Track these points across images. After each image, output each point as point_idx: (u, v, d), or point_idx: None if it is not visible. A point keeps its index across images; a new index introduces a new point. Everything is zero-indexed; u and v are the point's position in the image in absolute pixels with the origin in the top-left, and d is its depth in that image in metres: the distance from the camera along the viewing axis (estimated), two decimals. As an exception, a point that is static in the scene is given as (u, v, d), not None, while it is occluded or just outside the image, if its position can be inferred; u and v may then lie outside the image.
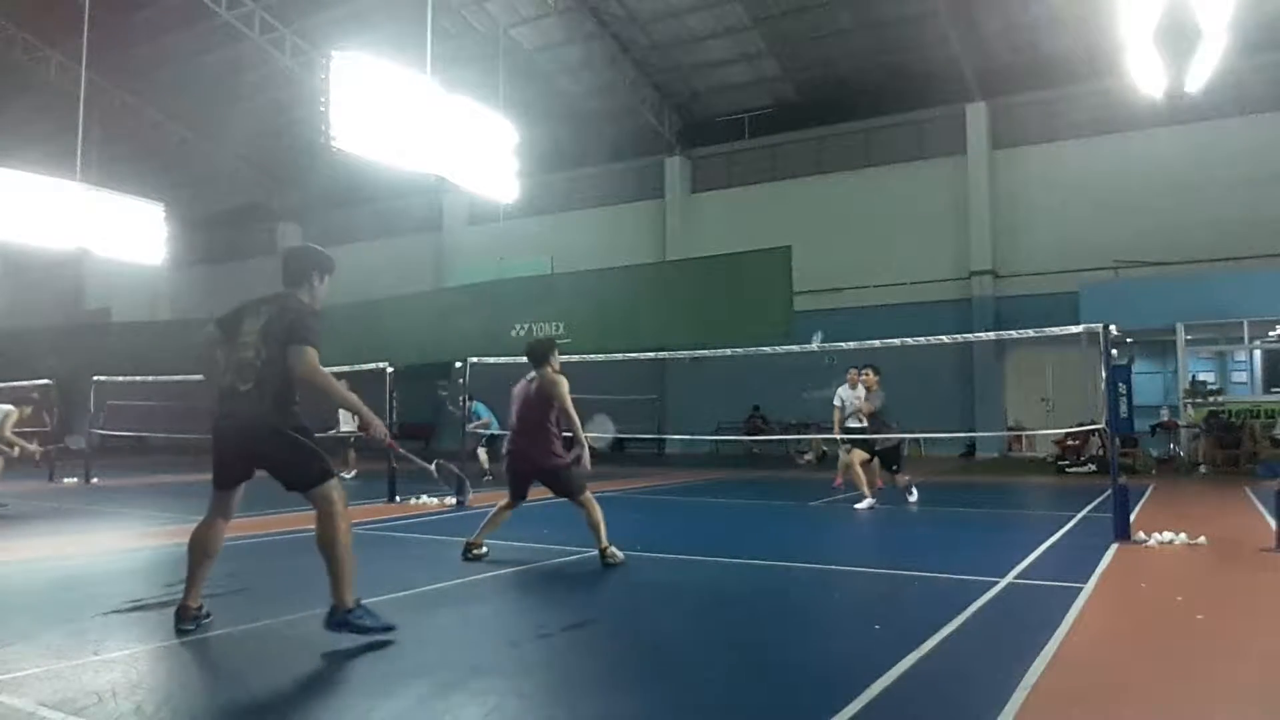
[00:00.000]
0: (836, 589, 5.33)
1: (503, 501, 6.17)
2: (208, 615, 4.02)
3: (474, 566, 5.80)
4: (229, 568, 5.74)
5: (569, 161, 24.69)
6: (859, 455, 9.50)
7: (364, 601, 3.85)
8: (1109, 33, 13.66)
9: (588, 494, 5.98)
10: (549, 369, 6.03)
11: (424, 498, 9.97)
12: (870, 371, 9.62)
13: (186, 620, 3.92)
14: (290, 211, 29.91)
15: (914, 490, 9.73)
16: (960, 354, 18.99)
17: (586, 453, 5.98)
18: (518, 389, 6.18)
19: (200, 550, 3.97)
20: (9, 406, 9.97)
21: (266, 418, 3.78)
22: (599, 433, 6.72)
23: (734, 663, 3.63)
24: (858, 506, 9.23)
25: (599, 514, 5.91)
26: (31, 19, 21.69)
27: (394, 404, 10.61)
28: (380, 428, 4.17)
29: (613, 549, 5.81)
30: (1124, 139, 19.14)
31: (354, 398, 4.08)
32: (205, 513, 4.04)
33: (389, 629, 3.82)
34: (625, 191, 25.26)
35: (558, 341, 6.41)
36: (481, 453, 13.83)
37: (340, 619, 3.74)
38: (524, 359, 6.20)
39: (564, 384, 5.94)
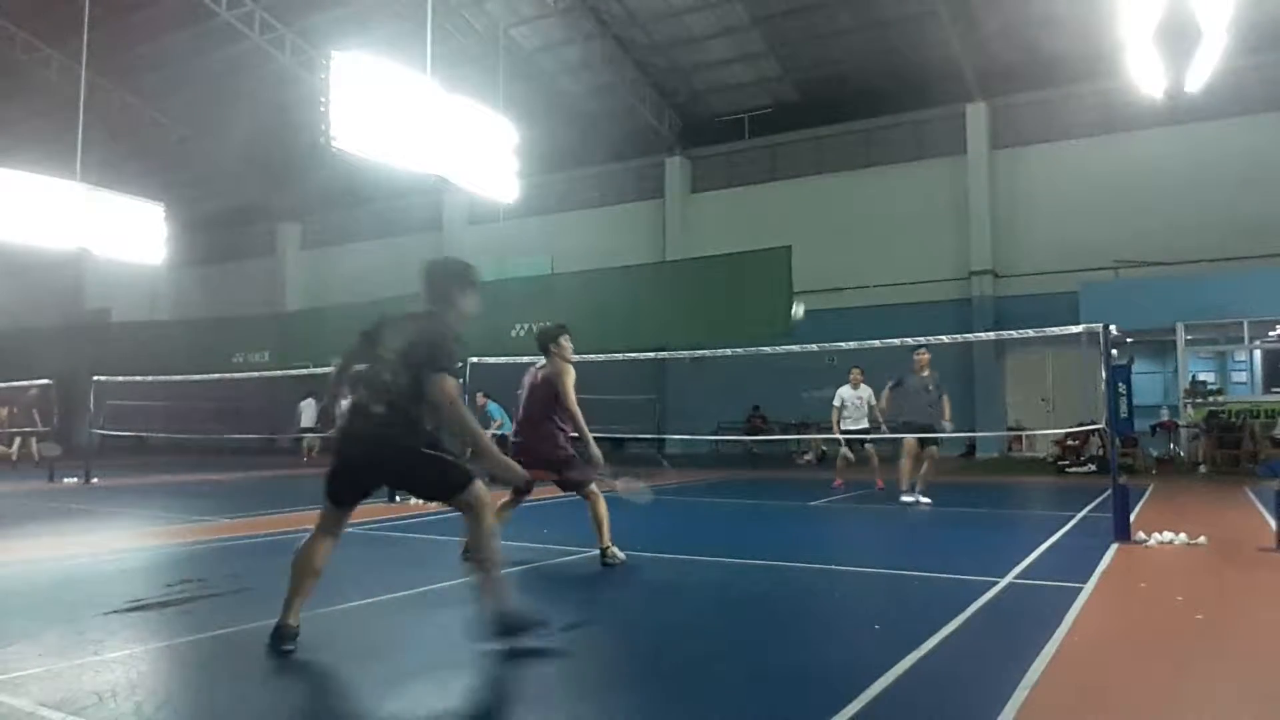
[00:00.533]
0: (837, 589, 5.32)
1: (503, 499, 6.10)
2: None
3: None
4: (229, 568, 5.75)
5: (569, 161, 24.67)
6: (911, 447, 9.51)
7: (363, 602, 3.83)
8: (1109, 33, 13.67)
9: (594, 487, 5.82)
10: (556, 356, 5.76)
11: (424, 498, 9.96)
12: (924, 352, 9.63)
13: (287, 640, 3.63)
14: (290, 211, 29.92)
15: (923, 496, 9.71)
16: (960, 354, 18.94)
17: (595, 450, 5.69)
18: (526, 378, 5.95)
19: (307, 569, 3.74)
20: None
21: (399, 440, 3.65)
22: (632, 494, 6.47)
23: (734, 662, 3.63)
24: (905, 500, 9.26)
25: (604, 510, 5.79)
26: (31, 19, 21.67)
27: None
28: (509, 467, 4.02)
29: (613, 549, 5.76)
30: (1124, 139, 19.14)
31: (483, 434, 3.82)
32: (314, 529, 3.82)
33: (542, 624, 3.72)
34: (625, 191, 25.26)
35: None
36: None
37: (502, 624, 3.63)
38: (524, 359, 6.06)
39: (569, 374, 5.66)
